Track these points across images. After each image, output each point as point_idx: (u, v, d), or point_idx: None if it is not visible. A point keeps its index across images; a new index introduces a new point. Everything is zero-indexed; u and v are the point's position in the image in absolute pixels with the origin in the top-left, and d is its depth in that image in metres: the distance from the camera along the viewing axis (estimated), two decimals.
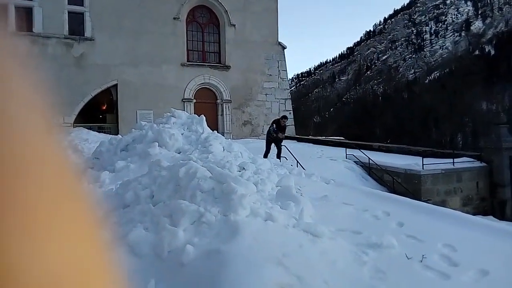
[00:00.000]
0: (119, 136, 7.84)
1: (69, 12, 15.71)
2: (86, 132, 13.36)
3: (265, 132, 19.09)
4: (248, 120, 18.62)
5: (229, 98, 18.18)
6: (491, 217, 9.62)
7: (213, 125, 15.91)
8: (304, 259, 2.85)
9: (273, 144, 10.32)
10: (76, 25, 15.88)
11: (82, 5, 15.91)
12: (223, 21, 18.42)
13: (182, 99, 17.24)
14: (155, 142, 6.26)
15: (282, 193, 4.57)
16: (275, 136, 10.11)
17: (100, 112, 18.33)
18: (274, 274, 2.53)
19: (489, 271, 3.22)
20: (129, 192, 3.78)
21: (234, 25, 18.42)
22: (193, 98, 17.56)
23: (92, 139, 11.39)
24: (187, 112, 11.83)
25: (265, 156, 9.77)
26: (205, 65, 18.05)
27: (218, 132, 8.43)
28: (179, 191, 3.50)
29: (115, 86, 16.28)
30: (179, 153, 6.23)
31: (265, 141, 10.52)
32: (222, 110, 18.11)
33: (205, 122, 7.61)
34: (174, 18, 17.27)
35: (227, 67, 18.27)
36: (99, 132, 14.52)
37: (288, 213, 3.84)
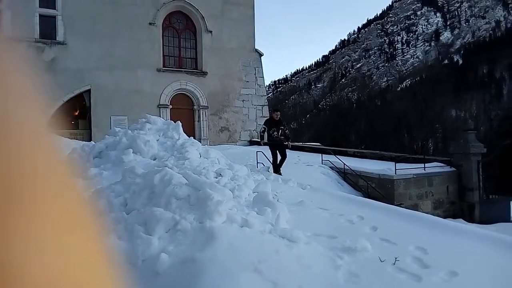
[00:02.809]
0: (92, 142, 7.64)
1: (40, 15, 15.25)
2: (57, 138, 12.91)
3: (242, 138, 19.38)
4: (225, 126, 18.57)
5: (206, 104, 18.09)
6: (460, 219, 9.96)
7: (190, 131, 15.76)
8: (280, 265, 2.86)
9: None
10: (48, 28, 15.42)
11: (54, 8, 15.49)
12: (199, 27, 18.39)
13: (158, 105, 17.02)
14: (130, 148, 6.14)
15: (258, 199, 4.57)
16: (278, 138, 8.46)
17: (72, 118, 17.81)
18: (250, 281, 2.52)
19: (458, 273, 3.33)
20: (102, 200, 3.68)
21: (211, 32, 18.41)
22: (169, 104, 17.36)
23: (63, 146, 11.03)
24: (163, 118, 11.68)
25: (274, 164, 8.54)
26: (181, 71, 17.91)
27: (195, 138, 8.34)
28: (154, 199, 3.44)
29: (88, 91, 15.88)
30: (154, 159, 6.13)
31: (266, 146, 8.88)
32: (199, 116, 17.99)
33: (182, 128, 7.53)
34: (150, 24, 17.08)
35: (204, 73, 18.21)
36: (71, 138, 14.08)
37: (265, 219, 3.85)
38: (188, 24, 18.52)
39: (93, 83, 15.80)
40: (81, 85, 15.63)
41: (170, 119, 12.38)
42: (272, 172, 8.39)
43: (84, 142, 9.08)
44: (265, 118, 19.84)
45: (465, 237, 4.27)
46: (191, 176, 3.73)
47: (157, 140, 6.77)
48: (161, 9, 17.37)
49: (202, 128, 17.87)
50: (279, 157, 8.59)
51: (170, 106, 17.34)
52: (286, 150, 8.76)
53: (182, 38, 18.45)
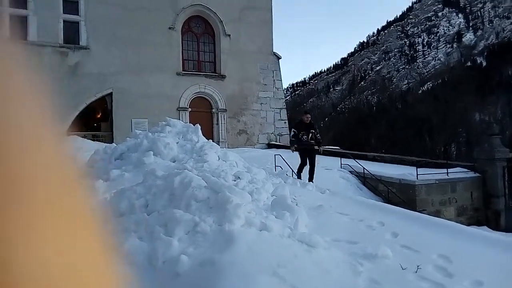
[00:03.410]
0: (114, 144, 7.80)
1: (64, 21, 15.73)
2: (81, 140, 13.28)
3: (260, 141, 19.37)
4: (243, 129, 18.64)
5: (225, 107, 18.22)
6: (485, 227, 9.65)
7: (208, 134, 15.89)
8: (299, 270, 2.84)
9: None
10: (71, 34, 15.89)
11: (77, 14, 15.94)
12: (218, 31, 18.56)
13: (177, 108, 17.24)
14: (150, 151, 6.23)
15: (277, 202, 4.56)
16: (307, 143, 7.84)
17: (94, 121, 18.26)
18: (269, 285, 2.51)
19: (484, 282, 3.23)
20: (124, 201, 3.75)
21: (229, 35, 18.56)
22: (188, 107, 17.57)
23: (86, 148, 11.31)
24: (182, 121, 11.82)
25: (300, 169, 8.05)
26: (200, 74, 18.11)
27: (213, 141, 8.39)
28: (174, 200, 3.48)
29: (110, 94, 16.26)
30: (174, 162, 6.21)
31: (295, 152, 8.18)
32: (217, 119, 18.13)
33: (200, 131, 7.60)
34: (170, 28, 17.36)
35: (223, 77, 18.34)
36: (94, 140, 14.44)
37: (283, 222, 3.83)
38: (206, 28, 18.72)
39: (115, 86, 16.16)
40: (103, 88, 16.02)
41: (189, 122, 12.52)
42: (297, 178, 7.94)
43: (106, 144, 9.28)
44: (283, 121, 19.98)
45: (490, 245, 4.14)
46: (210, 178, 3.76)
47: (176, 143, 6.85)
48: (180, 13, 17.63)
49: (220, 131, 18.00)
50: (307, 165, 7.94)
51: (189, 109, 17.55)
52: (316, 156, 8.15)
53: (201, 42, 18.66)
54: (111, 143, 9.72)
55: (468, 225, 8.53)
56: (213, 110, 18.20)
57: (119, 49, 16.19)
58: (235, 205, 3.32)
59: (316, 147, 8.10)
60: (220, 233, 3.03)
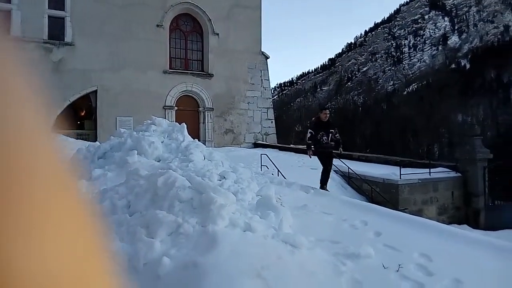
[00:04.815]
0: (97, 143, 7.68)
1: (49, 16, 15.41)
2: (64, 138, 13.03)
3: (247, 140, 19.33)
4: (230, 129, 18.60)
5: (211, 106, 18.14)
6: (465, 226, 9.88)
7: (195, 133, 15.80)
8: (283, 271, 2.85)
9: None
10: (56, 29, 15.57)
11: (63, 10, 15.64)
12: (206, 29, 18.46)
13: (164, 106, 17.09)
14: (134, 150, 6.15)
15: (262, 202, 4.56)
16: (328, 145, 6.77)
17: (78, 119, 17.94)
18: (252, 287, 2.51)
19: (463, 281, 3.29)
20: (106, 202, 3.69)
21: (217, 34, 18.48)
22: (174, 105, 17.43)
23: (69, 146, 11.11)
24: (168, 119, 11.72)
25: (325, 178, 7.00)
26: (187, 72, 17.99)
27: (199, 140, 8.34)
28: (157, 201, 3.44)
29: (95, 92, 16.00)
30: (158, 161, 6.15)
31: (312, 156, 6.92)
32: (204, 118, 18.04)
33: (186, 130, 7.54)
34: (157, 25, 17.18)
35: (210, 75, 18.26)
36: (77, 139, 14.19)
37: (268, 223, 3.83)
38: (195, 26, 18.60)
39: (100, 84, 15.91)
40: (87, 85, 15.75)
41: (176, 121, 12.44)
42: (319, 188, 6.95)
43: (90, 142, 9.13)
44: (270, 120, 19.98)
45: (470, 244, 4.22)
46: (195, 179, 3.74)
47: (161, 142, 6.79)
48: (169, 11, 17.47)
49: (207, 130, 17.92)
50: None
51: (176, 108, 17.41)
52: (333, 159, 7.20)
53: (189, 40, 18.54)
54: (95, 141, 9.56)
55: (449, 223, 8.71)
56: (200, 109, 18.11)
57: (105, 46, 15.95)
58: (219, 205, 3.31)
59: (337, 150, 6.99)
60: (204, 234, 3.01)
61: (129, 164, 5.37)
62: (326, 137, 6.72)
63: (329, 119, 6.93)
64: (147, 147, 6.22)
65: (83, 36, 15.73)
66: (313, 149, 6.78)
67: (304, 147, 17.71)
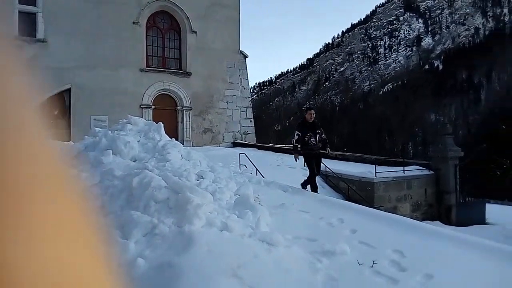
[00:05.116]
0: (71, 143, 7.47)
1: (20, 12, 14.85)
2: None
3: (226, 140, 19.26)
4: (208, 128, 18.49)
5: (190, 105, 17.97)
6: (438, 222, 10.19)
7: (173, 132, 15.62)
8: (259, 269, 2.86)
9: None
10: (28, 26, 15.03)
11: (35, 5, 15.11)
12: (184, 27, 18.27)
13: (140, 105, 16.80)
14: (109, 149, 6.02)
15: (240, 201, 4.56)
16: (315, 146, 6.64)
17: (51, 118, 17.41)
18: (228, 286, 2.51)
19: (434, 275, 3.40)
20: None
21: (195, 32, 18.31)
22: (151, 104, 17.17)
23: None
24: (145, 118, 11.54)
25: (312, 180, 6.85)
26: (165, 71, 17.74)
27: (177, 139, 8.24)
28: (132, 202, 3.38)
29: (68, 90, 15.55)
30: (134, 161, 6.03)
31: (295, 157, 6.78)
32: (182, 117, 17.85)
33: (163, 129, 7.43)
34: (134, 23, 16.87)
35: (188, 74, 18.08)
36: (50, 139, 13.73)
37: (245, 222, 3.84)
38: (172, 24, 18.37)
39: (74, 82, 15.48)
40: (61, 84, 15.28)
41: (153, 120, 12.24)
42: (311, 190, 6.83)
43: (63, 142, 8.87)
44: (249, 119, 19.96)
45: (440, 240, 4.36)
46: (171, 178, 3.69)
47: (138, 141, 6.66)
48: (145, 8, 17.18)
49: (185, 129, 17.74)
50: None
51: (153, 107, 17.15)
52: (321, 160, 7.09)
53: (166, 38, 18.29)
54: (69, 141, 9.29)
55: (422, 220, 8.98)
56: (178, 108, 17.90)
57: (79, 43, 15.51)
58: (195, 205, 3.28)
59: (324, 151, 6.85)
60: (180, 235, 2.98)
61: (103, 165, 5.25)
62: (314, 138, 6.61)
63: (314, 119, 6.81)
64: (123, 146, 6.10)
65: (56, 33, 15.25)
66: (300, 150, 6.64)
67: (284, 146, 17.80)
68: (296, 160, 6.77)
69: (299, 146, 6.61)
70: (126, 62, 16.45)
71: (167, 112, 17.15)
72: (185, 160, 6.34)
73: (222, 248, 2.98)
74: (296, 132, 6.68)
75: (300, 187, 6.97)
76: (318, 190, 7.00)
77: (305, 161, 6.88)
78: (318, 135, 6.65)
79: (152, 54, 17.83)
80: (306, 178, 7.04)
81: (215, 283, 2.50)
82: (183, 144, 9.33)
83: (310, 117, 6.70)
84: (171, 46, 18.35)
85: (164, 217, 3.16)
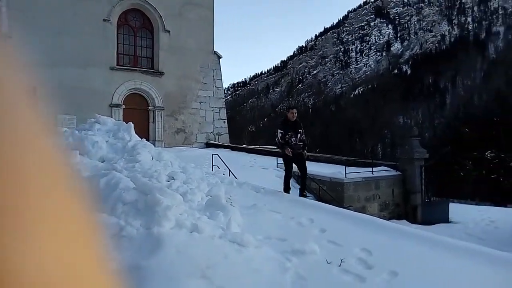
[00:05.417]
0: None
1: None
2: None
3: (199, 140, 19.09)
4: (181, 128, 18.26)
5: (162, 105, 17.68)
6: (404, 221, 10.55)
7: (144, 132, 15.31)
8: (229, 270, 2.85)
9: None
10: None
11: None
12: (157, 26, 17.97)
13: (110, 105, 16.36)
14: (76, 150, 5.84)
15: (211, 202, 4.53)
16: (296, 146, 6.47)
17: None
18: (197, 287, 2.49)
19: (398, 273, 3.52)
20: None
21: (168, 31, 18.06)
22: (122, 103, 16.76)
23: None
24: (115, 118, 11.24)
25: (287, 181, 6.80)
26: (136, 70, 17.38)
27: (149, 140, 8.09)
28: (99, 204, 3.30)
29: (33, 88, 14.92)
30: (102, 162, 5.88)
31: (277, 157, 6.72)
32: (154, 117, 17.54)
33: (133, 129, 7.29)
34: (104, 20, 16.42)
35: (161, 73, 17.80)
36: None
37: (216, 223, 3.82)
38: (145, 22, 18.03)
39: (39, 79, 14.87)
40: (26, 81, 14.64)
41: (123, 120, 11.95)
42: (284, 192, 6.70)
43: None
44: (223, 120, 19.88)
45: (406, 238, 4.52)
46: (140, 180, 3.62)
47: (106, 142, 6.50)
48: (117, 6, 16.77)
49: (157, 130, 17.44)
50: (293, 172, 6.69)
51: (123, 106, 16.75)
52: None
53: (138, 37, 17.92)
54: None
55: (389, 219, 9.27)
56: (150, 107, 17.58)
57: (45, 39, 14.91)
58: (165, 207, 3.24)
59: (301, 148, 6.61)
60: (148, 237, 2.93)
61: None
62: (294, 138, 6.47)
63: (296, 118, 6.62)
64: (90, 147, 5.93)
65: (22, 28, 14.60)
66: (284, 150, 6.43)
67: (256, 147, 17.80)
68: (290, 154, 6.42)
69: (284, 145, 6.44)
70: (95, 60, 15.99)
71: (138, 112, 16.79)
72: (156, 161, 6.24)
73: (191, 250, 2.95)
74: (279, 130, 6.52)
75: (283, 191, 6.80)
76: (290, 191, 7.01)
77: (283, 161, 6.77)
78: (299, 135, 6.51)
79: (123, 53, 17.42)
80: (283, 182, 6.92)
81: (184, 285, 2.48)
82: (154, 145, 9.18)
83: (292, 116, 6.53)
84: (143, 44, 18.00)
85: (132, 219, 3.09)
